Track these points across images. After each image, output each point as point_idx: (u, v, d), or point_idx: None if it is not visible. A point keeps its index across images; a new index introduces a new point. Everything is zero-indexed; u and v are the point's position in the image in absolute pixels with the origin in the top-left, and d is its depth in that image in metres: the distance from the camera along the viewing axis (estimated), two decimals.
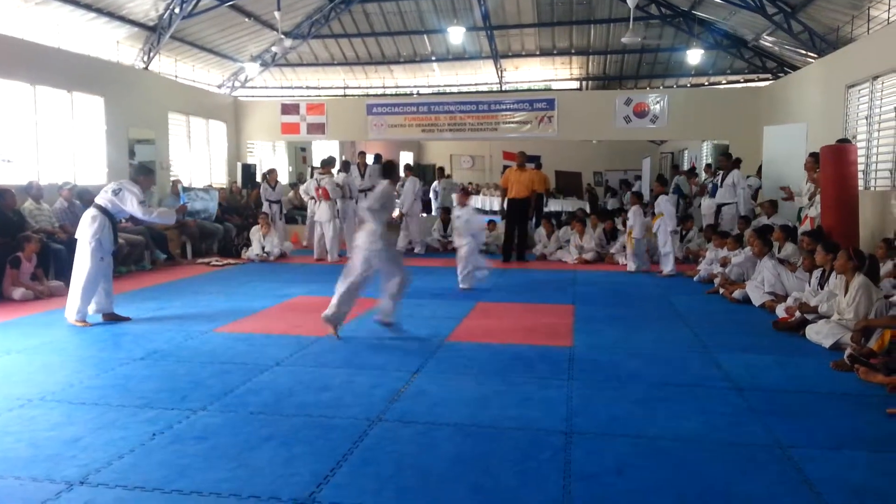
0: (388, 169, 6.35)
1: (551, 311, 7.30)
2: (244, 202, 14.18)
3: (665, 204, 9.90)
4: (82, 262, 6.27)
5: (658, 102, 14.36)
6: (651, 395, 4.41)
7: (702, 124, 14.52)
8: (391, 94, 20.70)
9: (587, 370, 4.99)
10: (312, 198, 11.65)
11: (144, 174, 6.74)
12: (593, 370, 4.99)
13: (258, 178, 16.21)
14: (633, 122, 14.43)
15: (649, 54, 18.97)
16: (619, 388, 4.57)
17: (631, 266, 10.14)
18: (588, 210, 15.99)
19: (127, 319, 6.56)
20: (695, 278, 9.25)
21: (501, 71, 19.87)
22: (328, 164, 11.82)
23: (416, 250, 12.43)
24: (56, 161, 10.88)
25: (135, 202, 6.26)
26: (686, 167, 17.87)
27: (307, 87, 21.12)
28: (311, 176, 13.46)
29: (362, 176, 12.85)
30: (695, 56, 17.07)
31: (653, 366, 5.13)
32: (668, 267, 9.78)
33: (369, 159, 13.65)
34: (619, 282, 9.30)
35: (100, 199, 6.39)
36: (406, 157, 27.47)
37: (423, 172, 28.03)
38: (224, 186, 14.64)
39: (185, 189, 7.41)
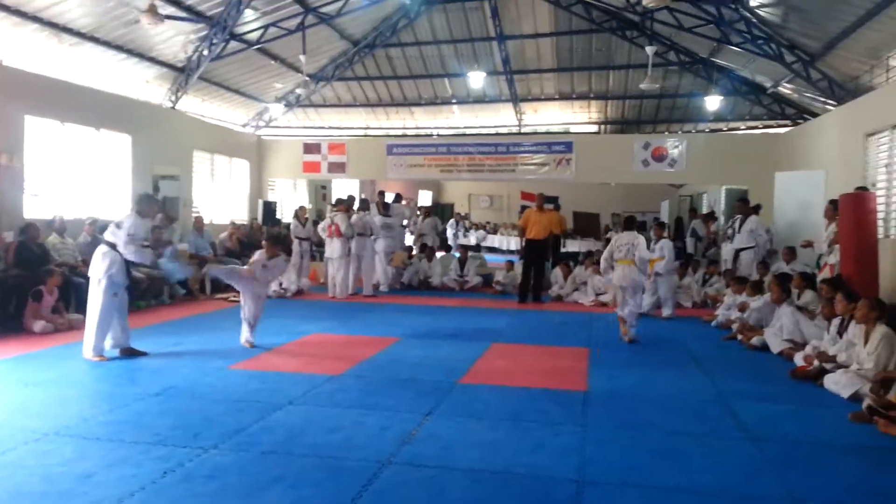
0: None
1: (566, 353, 7.25)
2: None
3: (666, 248, 9.88)
4: (95, 299, 6.37)
5: (677, 147, 14.41)
6: (666, 445, 4.35)
7: (720, 169, 14.52)
8: (411, 135, 20.95)
9: (602, 416, 4.94)
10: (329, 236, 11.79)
11: (147, 203, 6.75)
12: (608, 416, 4.94)
13: (278, 215, 16.44)
14: (651, 166, 14.48)
15: (668, 99, 19.09)
16: (634, 435, 4.51)
17: (666, 311, 10.00)
18: None
19: (144, 354, 6.62)
20: (712, 323, 9.17)
21: (520, 114, 20.08)
22: (342, 202, 11.99)
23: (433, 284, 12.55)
24: (82, 196, 11.12)
25: (123, 234, 6.34)
26: (705, 210, 17.80)
27: (329, 128, 21.46)
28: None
29: (381, 213, 12.98)
30: (713, 102, 17.15)
31: (669, 413, 5.07)
32: (667, 310, 9.94)
33: (388, 198, 13.79)
34: (639, 326, 9.20)
35: (108, 235, 6.51)
36: (425, 196, 27.73)
37: (442, 211, 28.40)
38: (245, 222, 14.82)
39: (176, 254, 7.45)
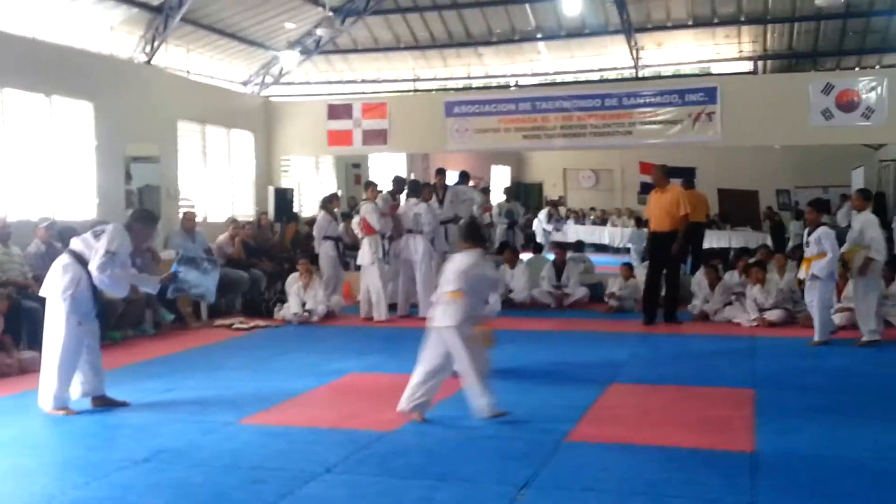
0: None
1: (720, 397, 7.17)
2: (278, 241, 14.59)
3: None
4: (55, 329, 6.55)
5: (874, 88, 13.97)
6: None
7: None
8: (479, 88, 20.99)
9: (779, 488, 4.85)
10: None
11: (143, 222, 7.00)
12: (788, 488, 4.85)
13: (296, 207, 16.72)
14: (836, 118, 14.07)
15: (857, 20, 18.55)
16: None
17: (866, 333, 9.57)
18: (771, 246, 15.58)
19: (124, 405, 6.79)
20: None
21: (637, 50, 19.86)
22: (371, 186, 12.19)
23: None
24: (30, 190, 11.53)
25: (99, 254, 6.47)
26: None
27: (363, 81, 21.71)
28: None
29: (441, 202, 13.06)
30: None
31: (877, 485, 4.95)
32: (866, 333, 9.49)
33: (451, 178, 13.88)
34: (822, 354, 9.05)
35: (76, 243, 6.72)
36: (502, 174, 27.74)
37: (527, 194, 28.35)
38: (251, 219, 15.13)
39: (183, 259, 7.63)
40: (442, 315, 6.32)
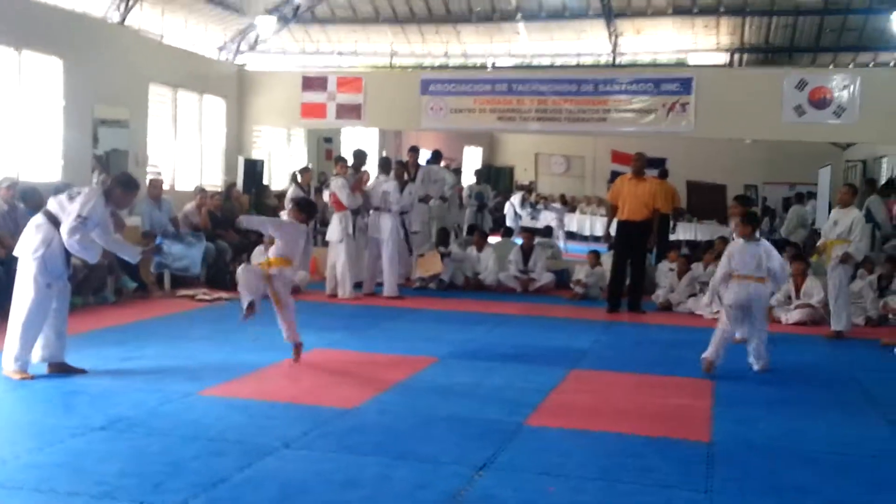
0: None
1: (680, 387, 7.23)
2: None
3: (857, 225, 9.65)
4: (23, 290, 6.50)
5: (846, 87, 14.10)
6: None
7: None
8: (456, 67, 20.93)
9: (733, 478, 4.91)
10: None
11: (124, 188, 6.91)
12: (742, 478, 4.92)
13: (266, 179, 16.63)
14: (808, 115, 14.19)
15: (834, 17, 18.70)
16: None
17: (837, 323, 9.79)
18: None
19: (81, 372, 6.75)
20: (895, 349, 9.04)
21: (616, 36, 19.90)
22: (341, 161, 12.14)
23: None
24: None
25: (70, 217, 6.40)
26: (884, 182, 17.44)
27: (339, 54, 21.57)
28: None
29: (412, 179, 13.03)
30: None
31: (831, 477, 5.04)
32: (838, 323, 9.71)
33: (424, 157, 13.86)
34: (781, 349, 9.10)
35: (51, 204, 6.66)
36: (474, 155, 27.74)
37: (497, 178, 28.38)
38: (219, 189, 15.03)
39: (167, 235, 7.58)
40: None
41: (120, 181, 7.03)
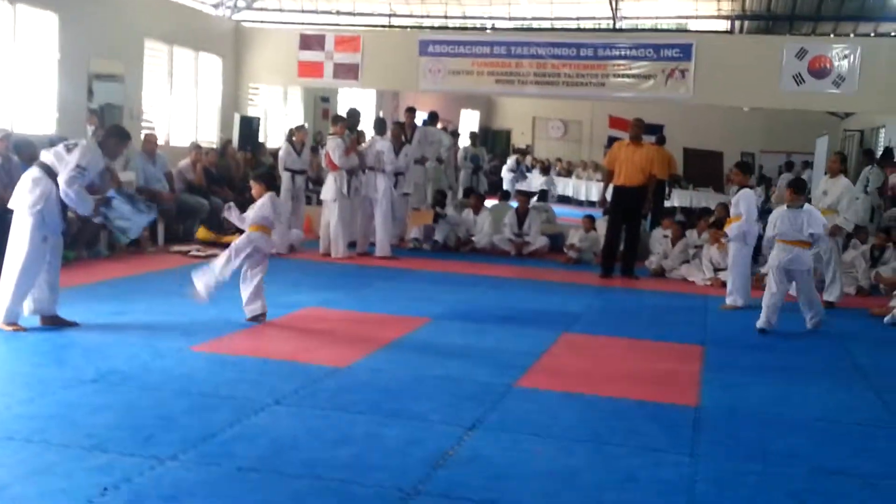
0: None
1: (669, 352, 7.28)
2: (239, 169, 14.46)
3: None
4: (18, 243, 6.50)
5: (846, 57, 14.05)
6: (814, 488, 4.36)
7: None
8: (455, 28, 20.77)
9: (720, 442, 4.97)
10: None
11: (117, 137, 7.01)
12: (729, 443, 4.97)
13: (261, 137, 16.56)
14: (806, 84, 14.15)
15: None
16: (767, 472, 4.52)
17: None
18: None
19: (74, 325, 6.78)
20: (885, 319, 9.09)
21: (617, 1, 19.75)
22: (340, 120, 12.06)
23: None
24: None
25: (69, 167, 6.43)
26: (882, 152, 17.42)
27: (338, 13, 21.36)
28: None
29: (409, 141, 12.99)
30: None
31: (818, 443, 5.08)
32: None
33: (420, 119, 13.80)
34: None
35: (46, 156, 6.64)
36: (470, 118, 27.63)
37: (494, 141, 28.32)
38: (215, 146, 14.97)
39: (121, 189, 7.47)
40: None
41: (112, 132, 7.12)
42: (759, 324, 8.15)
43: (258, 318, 7.37)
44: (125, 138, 7.24)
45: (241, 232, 7.60)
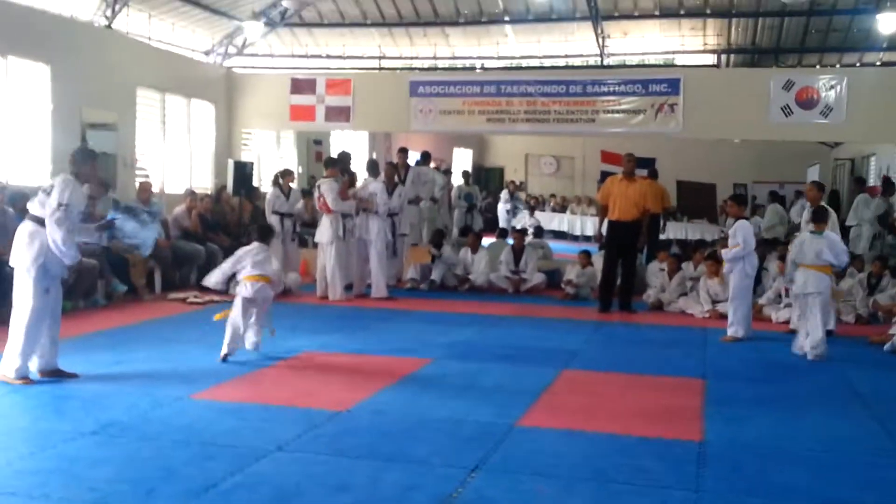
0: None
1: (671, 386, 7.26)
2: (234, 215, 14.49)
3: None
4: (22, 300, 6.50)
5: (833, 87, 14.19)
6: None
7: None
8: (445, 69, 20.96)
9: (724, 477, 4.94)
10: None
11: (87, 160, 6.87)
12: (733, 478, 4.95)
13: (256, 181, 16.61)
14: (795, 115, 14.28)
15: (821, 18, 18.79)
16: None
17: (731, 329, 9.58)
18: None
19: (74, 376, 6.74)
20: (885, 347, 9.09)
21: (603, 38, 19.95)
22: (332, 163, 12.09)
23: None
24: None
25: (51, 209, 6.38)
26: (873, 181, 17.54)
27: (328, 57, 21.58)
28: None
29: (402, 182, 13.02)
30: (889, 22, 16.83)
31: (822, 476, 5.05)
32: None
33: (413, 159, 13.84)
34: (772, 347, 9.19)
35: (34, 207, 6.61)
36: (463, 157, 27.75)
37: (487, 179, 28.41)
38: (209, 192, 15.00)
39: (118, 204, 7.46)
40: None
41: (78, 158, 6.86)
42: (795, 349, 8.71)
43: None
44: (93, 157, 7.08)
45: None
